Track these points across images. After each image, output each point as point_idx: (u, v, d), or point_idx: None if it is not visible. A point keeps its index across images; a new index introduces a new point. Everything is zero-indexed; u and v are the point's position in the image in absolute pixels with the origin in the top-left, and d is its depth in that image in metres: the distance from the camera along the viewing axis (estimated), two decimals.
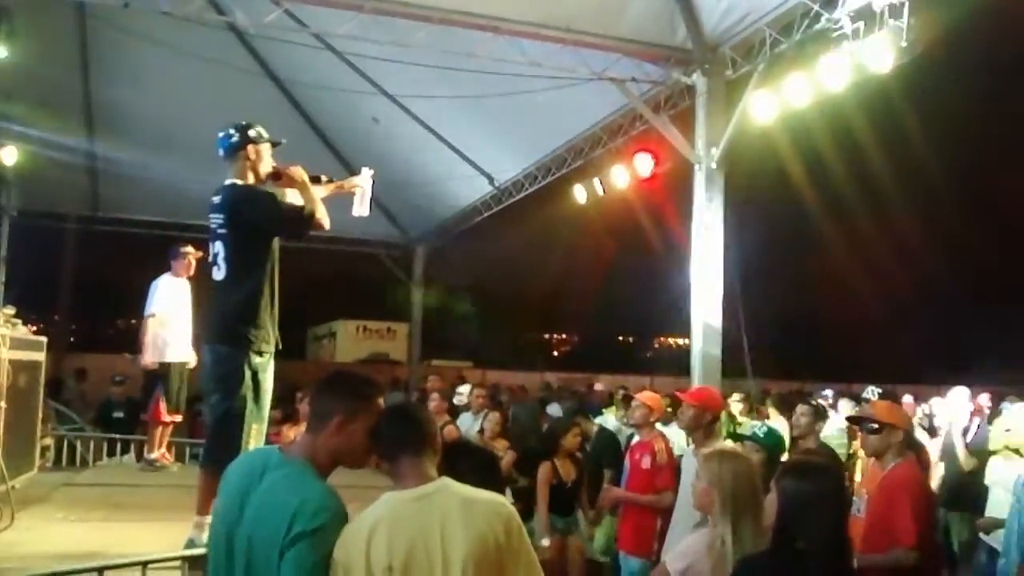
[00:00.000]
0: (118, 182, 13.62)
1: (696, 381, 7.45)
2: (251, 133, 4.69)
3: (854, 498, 4.61)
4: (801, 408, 6.30)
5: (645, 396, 6.34)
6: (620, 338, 32.13)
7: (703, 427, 5.16)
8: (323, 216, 4.59)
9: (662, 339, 31.13)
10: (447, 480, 2.61)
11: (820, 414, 6.31)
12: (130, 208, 15.24)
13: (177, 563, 3.88)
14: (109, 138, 12.46)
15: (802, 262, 21.26)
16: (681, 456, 5.87)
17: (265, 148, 4.73)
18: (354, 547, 2.47)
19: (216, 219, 4.54)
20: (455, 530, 2.48)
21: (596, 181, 10.27)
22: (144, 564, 3.71)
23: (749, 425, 6.18)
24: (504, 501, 2.64)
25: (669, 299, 8.28)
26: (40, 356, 7.07)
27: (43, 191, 13.71)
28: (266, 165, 4.70)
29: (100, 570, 3.67)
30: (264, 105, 12.14)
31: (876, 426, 4.37)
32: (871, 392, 5.77)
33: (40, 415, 7.18)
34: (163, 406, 7.80)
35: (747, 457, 3.57)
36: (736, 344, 8.20)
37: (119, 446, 9.34)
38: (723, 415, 7.91)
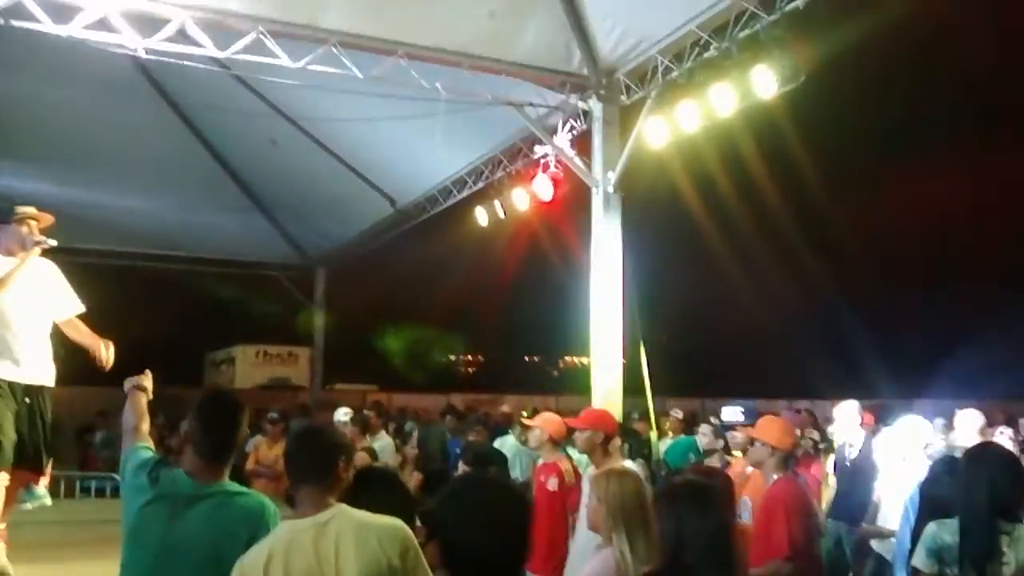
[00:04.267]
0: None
1: (596, 402, 7.55)
2: None
3: (739, 501, 4.77)
4: (703, 428, 6.48)
5: (541, 419, 6.40)
6: (527, 358, 32.31)
7: (599, 448, 5.23)
8: None
9: (568, 359, 31.43)
10: (343, 507, 2.66)
11: (719, 433, 6.51)
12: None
13: None
14: (5, 161, 11.98)
15: (699, 281, 21.82)
16: None
17: None
18: (252, 570, 2.55)
19: None
20: (348, 555, 2.54)
21: (497, 203, 10.36)
22: None
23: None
24: (400, 524, 2.67)
25: (572, 319, 8.36)
26: None
27: None
28: None
29: None
30: (160, 129, 11.90)
31: (757, 442, 4.57)
32: (731, 413, 5.96)
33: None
34: None
35: (635, 474, 3.64)
36: (636, 364, 8.34)
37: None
38: (652, 435, 8.08)
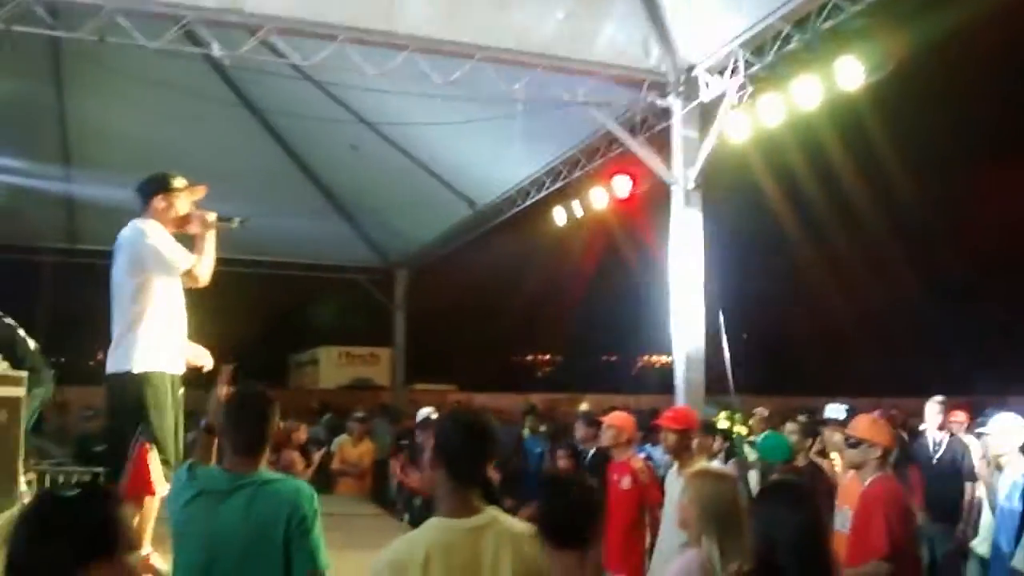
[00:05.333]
0: (95, 214, 13.57)
1: (679, 401, 7.49)
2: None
3: (837, 512, 4.65)
4: (790, 426, 6.35)
5: (613, 417, 6.37)
6: (604, 358, 32.16)
7: (685, 447, 5.19)
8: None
9: (646, 358, 31.22)
10: (496, 512, 2.64)
11: (808, 432, 6.36)
12: (107, 240, 15.16)
13: None
14: (86, 171, 12.42)
15: (782, 277, 21.41)
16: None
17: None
18: (411, 569, 2.50)
19: None
20: (506, 564, 2.52)
21: (575, 203, 10.34)
22: None
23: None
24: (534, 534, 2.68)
25: (650, 319, 8.31)
26: (20, 392, 7.02)
27: (20, 225, 13.64)
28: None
29: None
30: (242, 136, 12.19)
31: (855, 440, 4.43)
32: (835, 410, 5.79)
33: (21, 451, 7.11)
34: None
35: (732, 476, 3.60)
36: (719, 362, 8.25)
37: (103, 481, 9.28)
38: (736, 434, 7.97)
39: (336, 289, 18.35)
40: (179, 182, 4.97)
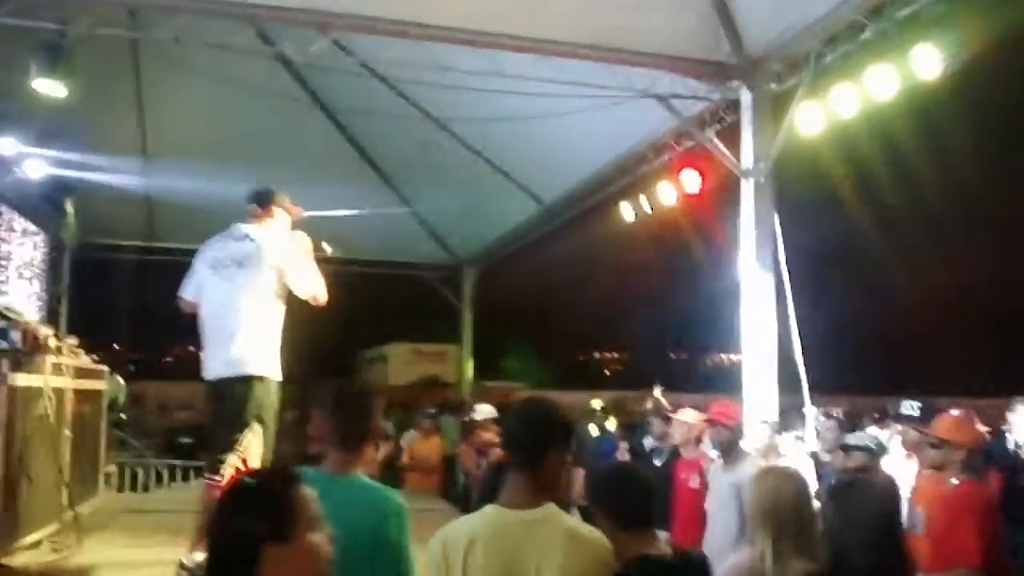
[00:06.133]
0: (173, 212, 13.91)
1: (747, 400, 7.38)
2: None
3: (909, 513, 4.52)
4: (826, 423, 6.21)
5: (685, 414, 6.30)
6: (673, 355, 31.87)
7: (733, 444, 5.12)
8: None
9: (717, 356, 30.83)
10: (554, 509, 2.58)
11: (844, 428, 6.24)
12: (184, 237, 15.53)
13: None
14: (163, 169, 12.74)
15: (856, 273, 20.93)
16: None
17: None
18: (454, 549, 2.50)
19: None
20: (553, 564, 2.46)
21: (643, 198, 10.25)
22: None
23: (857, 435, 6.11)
24: (604, 540, 2.60)
25: (720, 315, 8.18)
26: (102, 385, 7.26)
27: (101, 223, 14.07)
28: None
29: None
30: (313, 133, 12.39)
31: (936, 441, 4.29)
32: (909, 407, 5.61)
33: (103, 442, 7.36)
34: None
35: (795, 475, 3.51)
36: (790, 358, 8.08)
37: (180, 472, 9.58)
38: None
39: (405, 287, 18.51)
40: (289, 199, 5.38)
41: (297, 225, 5.41)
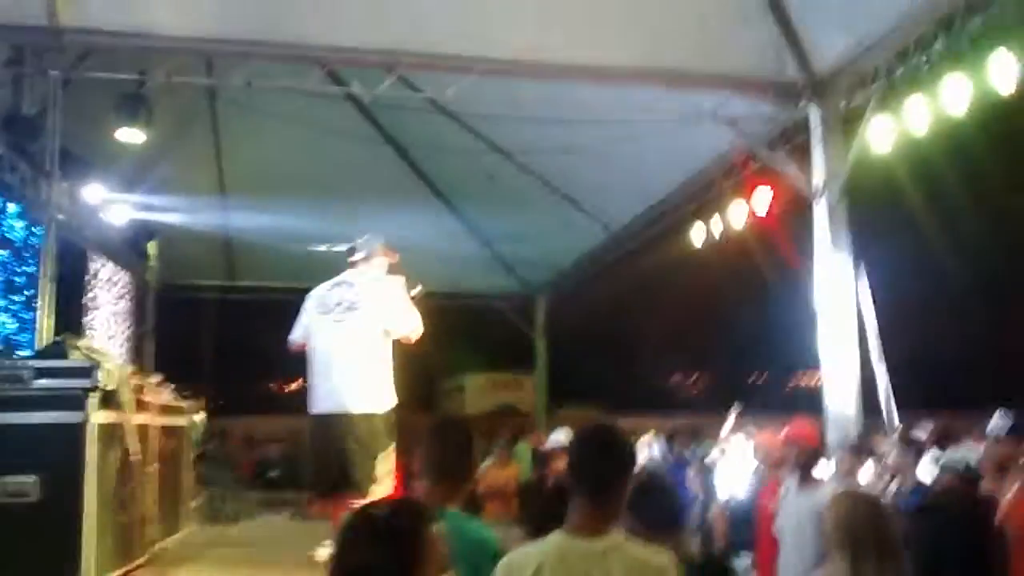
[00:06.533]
0: (251, 251, 14.28)
1: (829, 422, 7.22)
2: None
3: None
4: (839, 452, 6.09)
5: (763, 437, 6.19)
6: (752, 378, 31.27)
7: (805, 466, 5.00)
8: None
9: (798, 377, 30.18)
10: (621, 539, 2.57)
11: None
12: (263, 275, 15.93)
13: None
14: (241, 210, 13.09)
15: (936, 290, 20.28)
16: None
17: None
18: (520, 574, 2.49)
19: None
20: None
21: (713, 220, 10.15)
22: None
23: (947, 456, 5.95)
24: (670, 567, 2.57)
25: (797, 337, 8.03)
26: (185, 421, 7.46)
27: (183, 265, 14.52)
28: None
29: None
30: (383, 168, 12.61)
31: None
32: (1002, 415, 5.38)
33: (187, 477, 7.55)
34: None
35: (872, 497, 3.44)
36: (872, 380, 7.89)
37: (268, 505, 9.82)
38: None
39: (478, 317, 18.60)
40: (385, 246, 5.96)
41: (392, 267, 5.93)
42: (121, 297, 13.14)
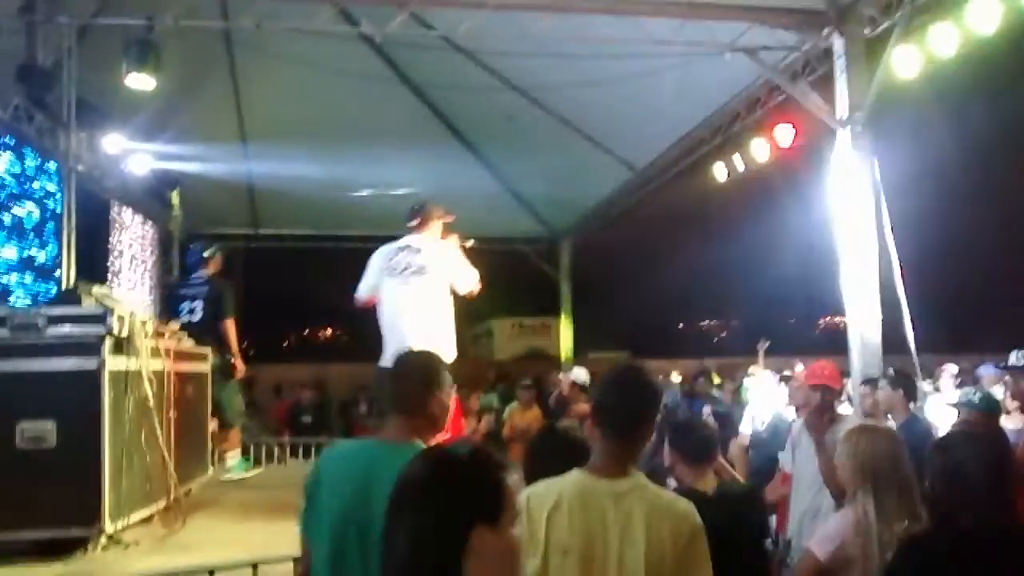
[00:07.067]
0: (274, 198, 14.26)
1: (854, 362, 7.10)
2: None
3: None
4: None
5: (800, 376, 6.10)
6: (781, 320, 31.03)
7: (829, 407, 4.91)
8: None
9: (828, 318, 29.90)
10: (642, 480, 2.57)
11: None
12: (287, 222, 15.94)
13: (289, 562, 4.01)
14: (262, 156, 13.04)
15: (963, 226, 19.80)
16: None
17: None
18: (538, 506, 2.48)
19: None
20: (636, 537, 2.43)
21: (737, 157, 9.94)
22: (254, 565, 4.03)
23: (963, 392, 5.84)
24: (691, 512, 2.54)
25: (829, 276, 7.85)
26: (204, 367, 7.48)
27: (206, 213, 14.52)
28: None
29: (211, 572, 4.04)
30: (401, 110, 12.47)
31: None
32: (1019, 355, 5.25)
33: (208, 422, 7.60)
34: None
35: (890, 431, 3.37)
36: (898, 319, 7.73)
37: (301, 449, 9.96)
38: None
39: (503, 261, 18.56)
40: (440, 208, 6.28)
41: (446, 225, 6.29)
42: (145, 247, 13.19)
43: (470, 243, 6.41)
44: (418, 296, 5.92)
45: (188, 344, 7.05)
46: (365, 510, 2.56)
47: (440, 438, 5.24)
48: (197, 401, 7.15)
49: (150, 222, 13.32)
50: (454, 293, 6.10)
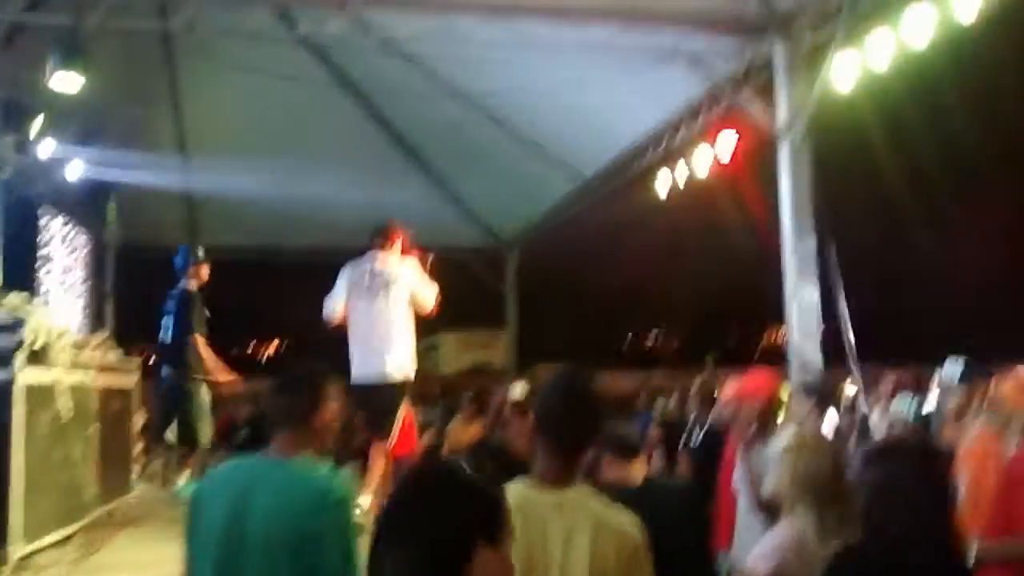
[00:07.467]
0: (214, 207, 13.93)
1: (793, 372, 7.06)
2: None
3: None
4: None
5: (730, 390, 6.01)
6: (729, 331, 31.29)
7: (767, 419, 4.79)
8: None
9: (771, 331, 30.22)
10: (586, 491, 2.50)
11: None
12: (228, 234, 15.58)
13: None
14: (202, 165, 12.75)
15: (899, 234, 20.09)
16: None
17: None
18: None
19: None
20: (579, 551, 2.36)
21: (682, 165, 9.90)
22: None
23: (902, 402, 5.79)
24: (636, 527, 2.47)
25: (772, 286, 7.84)
26: (132, 381, 7.21)
27: (144, 222, 14.12)
28: None
29: None
30: (344, 117, 12.29)
31: (997, 404, 4.12)
32: (953, 362, 5.25)
33: (135, 438, 7.33)
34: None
35: (830, 444, 3.29)
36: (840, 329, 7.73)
37: None
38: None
39: (449, 273, 18.37)
40: (400, 226, 6.80)
41: (404, 243, 6.75)
42: (78, 256, 12.81)
43: (430, 259, 6.94)
44: (385, 312, 6.30)
45: (113, 356, 6.80)
46: (245, 525, 2.61)
47: (386, 452, 5.62)
48: (122, 416, 6.89)
49: (84, 231, 12.95)
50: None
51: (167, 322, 7.59)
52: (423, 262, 6.80)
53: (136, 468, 7.33)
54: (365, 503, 5.98)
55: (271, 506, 2.67)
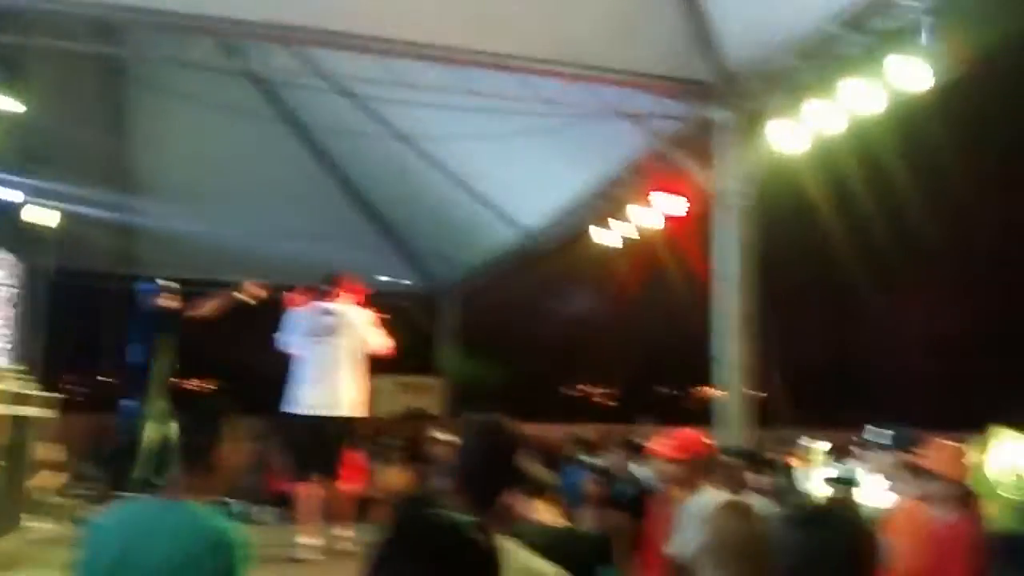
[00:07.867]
0: (153, 240, 13.63)
1: (715, 433, 7.04)
2: None
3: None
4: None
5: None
6: (661, 389, 31.43)
7: (691, 478, 4.73)
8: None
9: (705, 388, 30.38)
10: (509, 543, 2.34)
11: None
12: (166, 267, 15.16)
13: None
14: (142, 196, 12.49)
15: (837, 300, 20.43)
16: None
17: None
18: None
19: None
20: None
21: (624, 223, 9.93)
22: None
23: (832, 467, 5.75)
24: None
25: (706, 346, 7.85)
26: (32, 411, 6.86)
27: (81, 251, 13.70)
28: None
29: None
30: (288, 155, 12.16)
31: (928, 473, 4.07)
32: (877, 435, 5.28)
33: (29, 471, 6.95)
34: None
35: (752, 510, 3.22)
36: (770, 393, 7.76)
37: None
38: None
39: (384, 315, 18.17)
40: (349, 276, 7.16)
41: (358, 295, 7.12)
42: (8, 284, 12.38)
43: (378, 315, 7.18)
44: (341, 354, 6.64)
45: (14, 384, 6.49)
46: (134, 569, 2.54)
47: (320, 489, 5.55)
48: (14, 447, 6.52)
49: (15, 258, 12.54)
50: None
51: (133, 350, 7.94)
52: (369, 306, 7.18)
53: (43, 502, 6.96)
54: (306, 541, 6.31)
55: (163, 550, 2.57)
